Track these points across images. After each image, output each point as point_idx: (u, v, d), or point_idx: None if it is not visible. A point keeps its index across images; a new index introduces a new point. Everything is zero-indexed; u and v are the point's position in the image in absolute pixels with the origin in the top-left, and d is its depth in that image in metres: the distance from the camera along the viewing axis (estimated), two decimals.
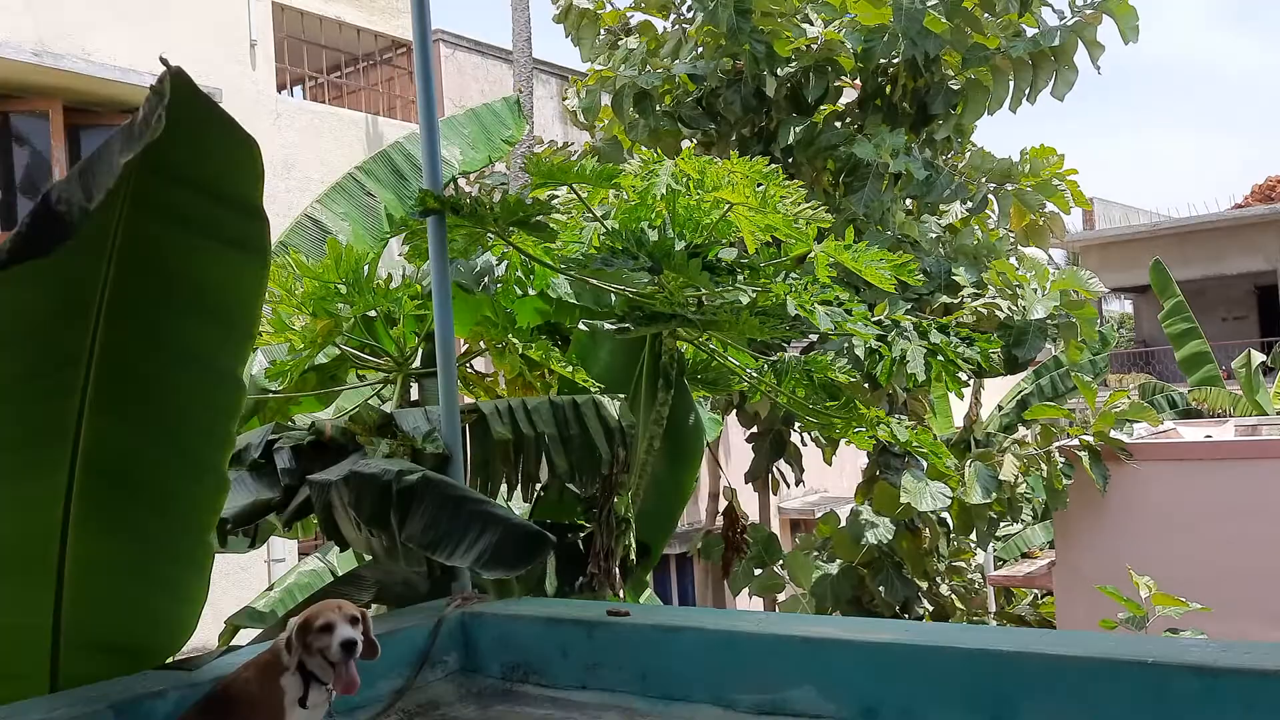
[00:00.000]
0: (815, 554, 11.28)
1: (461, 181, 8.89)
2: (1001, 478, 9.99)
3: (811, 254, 4.51)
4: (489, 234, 4.44)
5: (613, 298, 5.02)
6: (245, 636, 5.55)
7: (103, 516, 2.88)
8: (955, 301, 9.47)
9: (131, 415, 2.82)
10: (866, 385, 8.31)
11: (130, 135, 2.30)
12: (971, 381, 14.54)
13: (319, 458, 4.01)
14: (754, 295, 4.12)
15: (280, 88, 14.52)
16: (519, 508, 5.44)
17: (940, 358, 4.37)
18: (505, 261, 5.08)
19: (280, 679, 2.67)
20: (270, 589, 6.57)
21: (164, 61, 2.39)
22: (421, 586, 4.29)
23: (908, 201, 10.29)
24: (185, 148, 2.56)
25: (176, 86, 2.37)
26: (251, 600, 6.47)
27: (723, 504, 6.59)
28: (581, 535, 5.10)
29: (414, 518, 3.61)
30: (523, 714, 3.40)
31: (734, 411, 11.30)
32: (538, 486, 4.72)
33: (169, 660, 3.17)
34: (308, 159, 13.53)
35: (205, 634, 3.41)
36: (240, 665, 2.82)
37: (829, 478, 18.47)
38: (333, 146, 13.91)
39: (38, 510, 2.80)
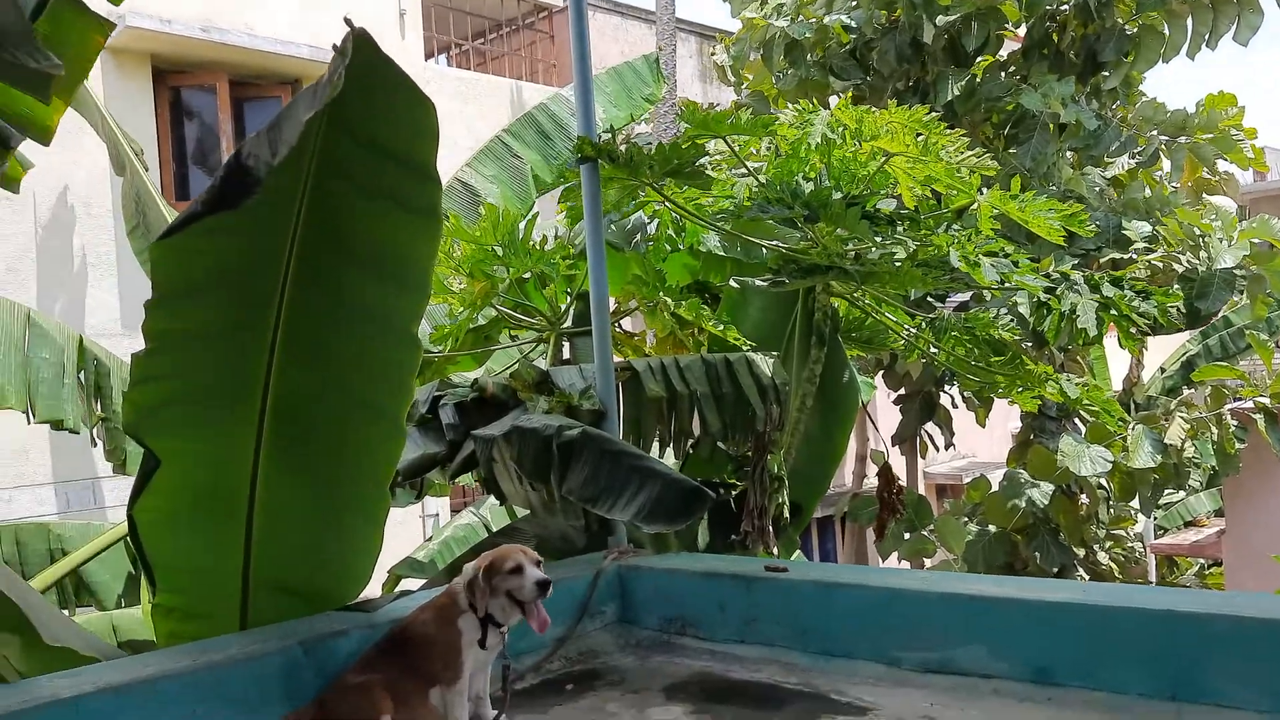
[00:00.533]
0: (964, 519, 11.02)
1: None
2: (1167, 441, 9.52)
3: (974, 205, 4.35)
4: (640, 189, 4.44)
5: (764, 252, 4.96)
6: (406, 587, 5.76)
7: (290, 466, 3.01)
8: (1125, 257, 9.00)
9: (317, 369, 2.93)
10: (1029, 344, 8.02)
11: (314, 93, 2.38)
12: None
13: (481, 413, 4.11)
14: (914, 247, 4.00)
15: (427, 56, 14.84)
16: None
17: (1114, 312, 4.16)
18: (656, 219, 5.08)
19: (458, 620, 2.77)
20: (428, 540, 6.81)
21: (348, 22, 2.45)
22: (578, 541, 4.36)
23: (1069, 154, 9.84)
24: (367, 108, 2.63)
25: (359, 47, 2.42)
26: (411, 551, 6.72)
27: (872, 467, 6.47)
28: (734, 494, 5.10)
29: (574, 471, 3.67)
30: (681, 665, 3.43)
31: (880, 373, 11.09)
32: (689, 444, 4.73)
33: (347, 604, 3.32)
34: (455, 125, 13.80)
35: (369, 584, 3.55)
36: (416, 608, 2.94)
37: (977, 442, 18.00)
38: (478, 112, 14.16)
39: (230, 459, 2.95)
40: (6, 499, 9.04)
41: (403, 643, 2.80)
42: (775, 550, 4.78)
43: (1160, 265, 8.75)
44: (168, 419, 2.78)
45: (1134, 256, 8.94)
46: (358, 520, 3.16)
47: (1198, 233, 8.86)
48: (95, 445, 5.07)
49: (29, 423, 4.73)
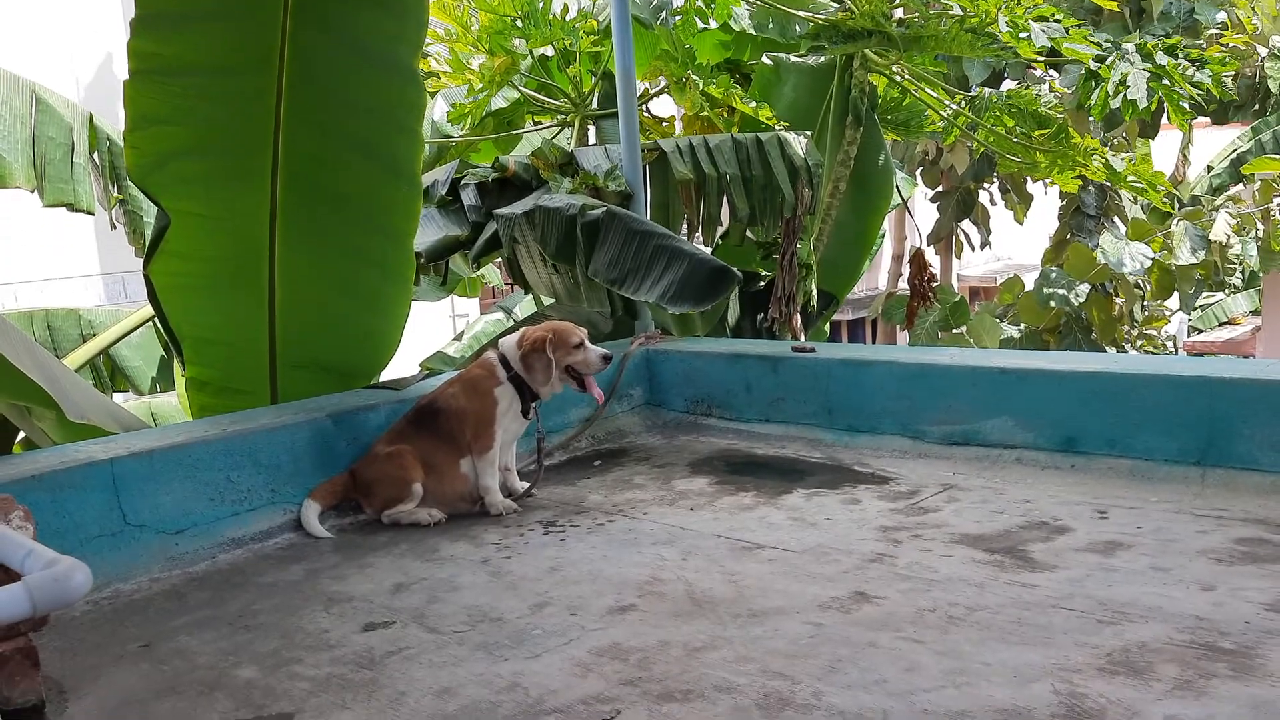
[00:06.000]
0: (997, 320, 10.93)
1: None
2: (1211, 237, 9.26)
3: None
4: None
5: (798, 28, 4.71)
6: None
7: (307, 230, 2.95)
8: (1196, 44, 8.44)
9: (324, 121, 2.82)
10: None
11: None
12: (1181, 138, 13.35)
13: (503, 195, 4.02)
14: (962, 11, 3.76)
15: None
16: None
17: (1166, 82, 3.92)
18: None
19: (493, 391, 2.79)
20: (458, 337, 6.85)
21: None
22: (604, 326, 4.34)
23: None
24: None
25: None
26: (442, 346, 6.77)
27: (908, 264, 6.30)
28: (762, 282, 5.03)
29: (600, 252, 3.59)
30: (706, 443, 3.46)
31: (920, 170, 10.79)
32: (719, 231, 4.63)
33: (377, 380, 3.33)
34: None
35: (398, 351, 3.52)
36: (444, 381, 2.95)
37: (1015, 245, 17.68)
38: None
39: (246, 222, 2.88)
40: (39, 289, 9.03)
41: (433, 414, 2.82)
42: (803, 338, 4.75)
43: (1242, 48, 8.17)
44: (175, 175, 2.69)
45: (1204, 46, 8.36)
46: (381, 283, 3.12)
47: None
48: (114, 229, 4.96)
49: (42, 205, 4.59)
